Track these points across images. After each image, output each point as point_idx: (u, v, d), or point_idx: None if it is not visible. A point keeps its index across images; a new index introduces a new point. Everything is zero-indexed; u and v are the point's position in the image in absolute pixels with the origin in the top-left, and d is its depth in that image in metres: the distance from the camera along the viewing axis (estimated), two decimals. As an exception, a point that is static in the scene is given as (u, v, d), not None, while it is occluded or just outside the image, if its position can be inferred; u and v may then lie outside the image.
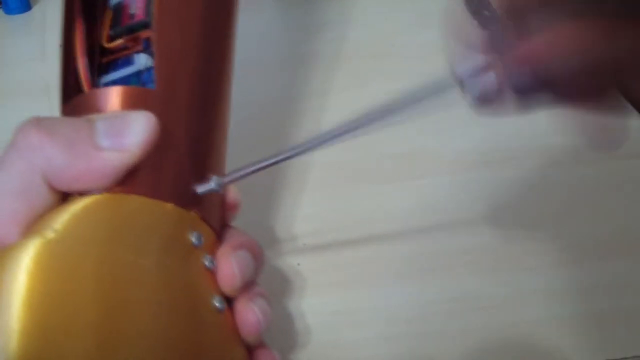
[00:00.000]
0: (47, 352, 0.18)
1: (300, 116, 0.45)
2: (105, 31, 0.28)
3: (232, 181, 0.26)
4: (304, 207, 0.38)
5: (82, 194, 0.22)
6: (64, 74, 0.27)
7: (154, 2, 0.26)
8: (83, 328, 0.19)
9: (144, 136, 0.23)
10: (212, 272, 0.25)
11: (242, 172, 0.26)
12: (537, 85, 0.21)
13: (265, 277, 0.34)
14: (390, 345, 0.30)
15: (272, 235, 0.36)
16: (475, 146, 0.40)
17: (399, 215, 0.37)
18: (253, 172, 0.26)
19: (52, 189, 0.22)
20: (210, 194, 0.26)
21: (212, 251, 0.26)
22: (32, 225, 0.21)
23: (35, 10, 0.60)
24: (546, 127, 0.42)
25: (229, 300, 0.25)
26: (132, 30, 0.27)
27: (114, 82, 0.27)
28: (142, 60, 0.27)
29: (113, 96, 0.24)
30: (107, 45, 0.27)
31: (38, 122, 0.22)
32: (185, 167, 0.25)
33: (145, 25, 0.27)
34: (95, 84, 0.27)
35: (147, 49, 0.27)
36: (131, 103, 0.24)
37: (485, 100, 0.23)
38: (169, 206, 0.24)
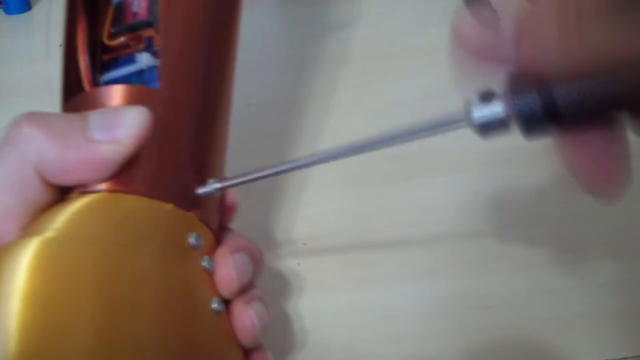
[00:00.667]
0: (47, 351, 0.18)
1: (303, 117, 0.45)
2: (107, 28, 0.28)
3: (230, 186, 0.26)
4: (304, 208, 0.38)
5: (81, 191, 0.22)
6: (66, 71, 0.27)
7: (159, 2, 0.26)
8: (83, 327, 0.19)
9: (137, 129, 0.23)
10: (210, 274, 0.25)
11: (241, 179, 0.26)
12: (542, 108, 0.20)
13: (265, 277, 0.34)
14: (390, 345, 0.30)
15: (272, 235, 0.36)
16: (475, 146, 0.40)
17: (398, 216, 0.37)
18: (253, 180, 0.25)
19: (46, 182, 0.22)
20: (209, 195, 0.26)
21: (211, 253, 0.26)
22: (32, 224, 0.21)
23: (35, 10, 0.60)
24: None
25: (227, 302, 0.25)
26: (134, 28, 0.27)
27: (115, 81, 0.27)
28: (144, 60, 0.27)
29: (115, 95, 0.24)
30: (108, 42, 0.27)
31: (30, 116, 0.22)
32: (185, 168, 0.25)
33: (147, 24, 0.27)
34: (96, 81, 0.27)
35: (149, 48, 0.27)
36: (133, 102, 0.24)
37: (492, 131, 0.22)
38: (169, 206, 0.24)
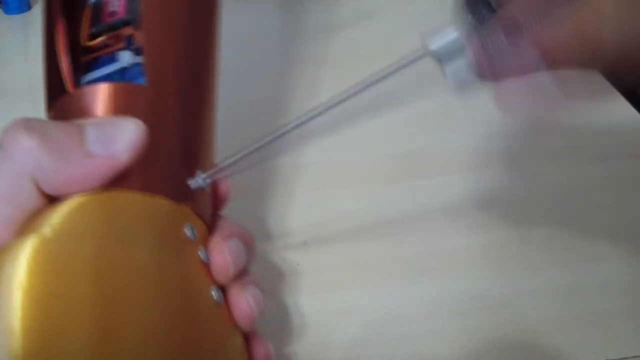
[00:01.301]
0: (49, 347, 0.18)
1: (294, 116, 0.45)
2: (86, 29, 0.28)
3: (217, 176, 0.26)
4: (304, 208, 0.38)
5: None
6: (48, 74, 0.27)
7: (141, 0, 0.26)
8: (84, 323, 0.19)
9: (134, 144, 0.23)
10: (207, 265, 0.25)
11: (226, 164, 0.26)
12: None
13: (265, 277, 0.34)
14: (391, 345, 0.30)
15: (272, 235, 0.36)
16: (475, 146, 0.40)
17: (399, 216, 0.37)
18: (236, 161, 0.26)
19: (42, 193, 0.22)
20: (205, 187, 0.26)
21: (206, 244, 0.26)
22: (27, 224, 0.21)
23: (35, 10, 0.60)
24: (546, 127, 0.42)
25: (223, 290, 0.26)
26: (114, 27, 0.27)
27: (97, 81, 0.26)
28: (125, 58, 0.27)
29: (100, 94, 0.25)
30: (88, 43, 0.27)
31: (27, 126, 0.22)
32: (176, 162, 0.25)
33: (127, 23, 0.27)
34: (78, 83, 0.27)
35: (129, 46, 0.27)
36: (121, 100, 0.24)
37: (452, 57, 0.24)
38: (163, 201, 0.24)
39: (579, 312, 0.31)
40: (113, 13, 0.27)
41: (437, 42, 0.23)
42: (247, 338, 0.26)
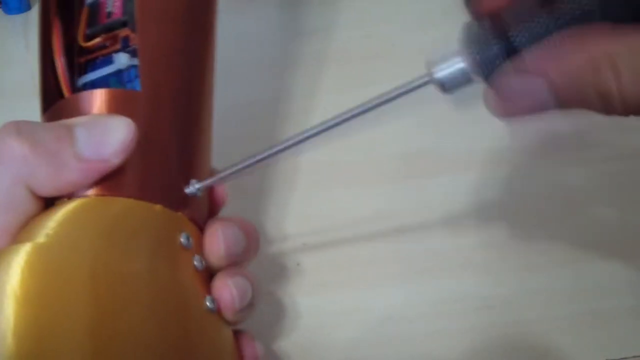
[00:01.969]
0: (41, 354, 0.18)
1: (294, 117, 0.45)
2: (82, 30, 0.27)
3: (211, 184, 0.26)
4: (304, 208, 0.38)
5: (70, 196, 0.23)
6: (43, 76, 0.27)
7: (135, 2, 0.26)
8: (77, 329, 0.19)
9: (124, 144, 0.23)
10: (202, 273, 0.25)
11: (220, 176, 0.26)
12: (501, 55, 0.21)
13: (265, 277, 0.34)
14: (391, 345, 0.30)
15: (271, 236, 0.36)
16: (475, 146, 0.40)
17: (399, 216, 0.37)
18: (233, 174, 0.26)
19: (36, 197, 0.22)
20: (201, 194, 0.26)
21: (201, 251, 0.26)
22: (22, 231, 0.21)
23: (35, 10, 0.60)
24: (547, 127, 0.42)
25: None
26: (110, 28, 0.27)
27: (93, 82, 0.26)
28: (122, 60, 0.26)
29: (96, 100, 0.24)
30: (84, 44, 0.27)
31: (18, 131, 0.22)
32: (172, 168, 0.25)
33: (123, 24, 0.27)
34: (74, 84, 0.27)
35: (126, 48, 0.27)
36: (115, 106, 0.24)
37: (455, 83, 0.23)
38: (158, 207, 0.24)
39: (579, 312, 0.31)
40: (110, 14, 0.27)
41: (443, 71, 0.23)
42: (236, 337, 0.26)
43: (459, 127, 0.41)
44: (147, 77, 0.25)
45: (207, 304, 0.24)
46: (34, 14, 0.60)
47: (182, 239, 0.24)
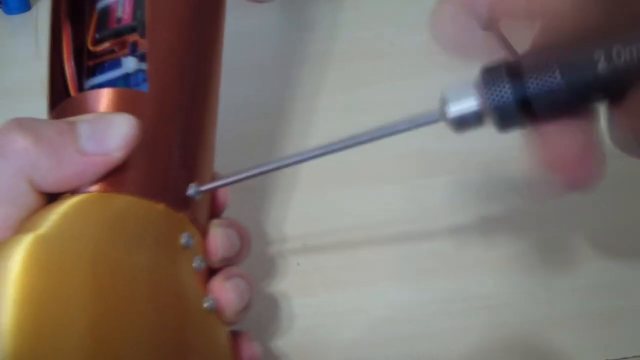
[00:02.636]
0: (41, 346, 0.18)
1: (297, 117, 0.45)
2: (92, 34, 0.28)
3: (210, 189, 0.26)
4: (304, 208, 0.38)
5: (73, 192, 0.23)
6: (51, 78, 0.27)
7: (145, 7, 0.26)
8: (77, 321, 0.19)
9: (127, 139, 0.23)
10: (201, 273, 0.25)
11: (219, 183, 0.26)
12: (514, 100, 0.20)
13: (265, 277, 0.34)
14: (391, 345, 0.30)
15: (272, 235, 0.36)
16: (474, 146, 0.40)
17: (399, 216, 0.37)
18: (234, 182, 0.26)
19: (39, 191, 0.22)
20: (203, 196, 0.26)
21: (202, 252, 0.26)
22: (25, 224, 0.21)
23: (35, 10, 0.60)
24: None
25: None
26: (119, 34, 0.27)
27: (101, 85, 0.27)
28: (130, 64, 0.27)
29: (102, 99, 0.25)
30: (93, 48, 0.28)
31: (21, 126, 0.22)
32: (176, 169, 0.25)
33: (132, 29, 0.27)
34: (82, 87, 0.27)
35: (134, 53, 0.27)
36: (121, 105, 0.24)
37: (467, 125, 0.23)
38: (160, 206, 0.24)
39: (579, 312, 0.31)
40: (119, 19, 0.27)
41: (456, 111, 0.22)
42: (234, 338, 0.26)
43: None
44: (154, 79, 0.25)
45: (206, 304, 0.24)
46: (34, 14, 0.60)
47: (183, 239, 0.24)
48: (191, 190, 0.25)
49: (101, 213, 0.22)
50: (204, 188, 0.26)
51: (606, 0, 0.20)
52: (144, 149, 0.24)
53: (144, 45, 0.26)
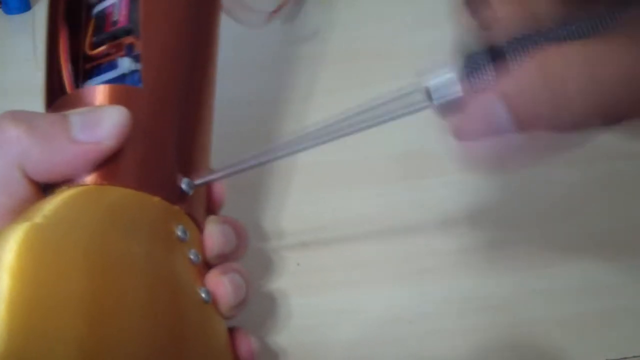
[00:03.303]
0: (34, 332, 0.18)
1: (293, 117, 0.45)
2: (89, 39, 0.28)
3: (203, 184, 0.27)
4: (304, 208, 0.38)
5: (69, 185, 0.23)
6: (48, 81, 0.27)
7: (139, 3, 0.26)
8: (70, 307, 0.19)
9: (118, 128, 0.23)
10: (198, 266, 0.25)
11: (215, 175, 0.27)
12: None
13: (264, 277, 0.34)
14: (391, 345, 0.30)
15: (271, 235, 0.36)
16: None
17: (399, 215, 0.37)
18: (227, 174, 0.26)
19: (31, 181, 0.23)
20: (195, 190, 0.26)
21: (197, 246, 0.26)
22: (20, 214, 0.21)
23: (35, 10, 0.60)
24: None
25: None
26: (115, 36, 0.28)
27: None
28: (125, 64, 0.27)
29: (97, 94, 0.25)
30: (90, 52, 0.28)
31: (14, 116, 0.23)
32: (171, 164, 0.26)
33: (128, 32, 0.27)
34: (78, 88, 0.27)
35: (130, 54, 0.27)
36: (116, 101, 0.25)
37: (450, 111, 0.23)
38: (156, 199, 0.24)
39: (579, 312, 0.31)
40: (115, 22, 0.28)
41: (433, 80, 0.23)
42: (231, 333, 0.27)
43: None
44: (149, 75, 0.26)
45: (202, 295, 0.24)
46: (34, 14, 0.60)
47: (179, 232, 0.24)
48: (184, 184, 0.26)
49: (96, 204, 0.23)
50: (197, 182, 0.26)
51: None
52: (138, 143, 0.24)
53: (139, 46, 0.27)
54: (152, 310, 0.22)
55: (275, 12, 0.46)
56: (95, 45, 0.28)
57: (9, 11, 0.60)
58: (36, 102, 0.47)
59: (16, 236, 0.19)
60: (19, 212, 0.22)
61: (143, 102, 0.25)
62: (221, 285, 0.25)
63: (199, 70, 0.28)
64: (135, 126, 0.24)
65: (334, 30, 0.53)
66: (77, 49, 0.28)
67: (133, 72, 0.27)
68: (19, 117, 0.23)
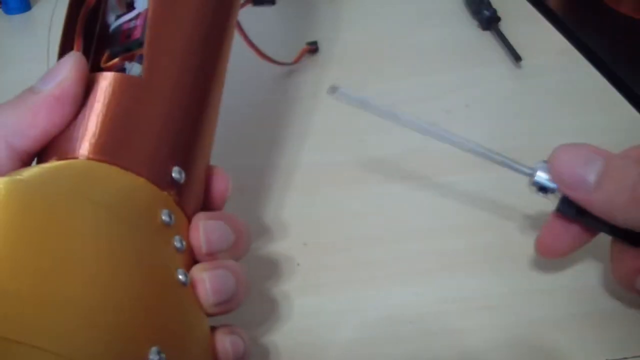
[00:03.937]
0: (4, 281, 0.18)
1: (297, 118, 0.45)
2: (104, 52, 0.29)
3: (197, 175, 0.27)
4: (304, 208, 0.38)
5: (56, 158, 0.24)
6: None
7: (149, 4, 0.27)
8: (38, 265, 0.19)
9: (74, 69, 0.25)
10: (183, 254, 0.25)
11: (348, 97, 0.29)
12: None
13: (265, 277, 0.34)
14: (391, 345, 0.30)
15: (271, 235, 0.36)
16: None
17: (398, 216, 0.37)
18: (354, 102, 0.29)
19: (19, 153, 0.24)
20: (191, 181, 0.26)
21: (184, 234, 0.25)
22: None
23: (35, 10, 0.60)
24: (546, 127, 0.42)
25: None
26: (129, 49, 0.28)
27: None
28: (135, 69, 0.28)
29: (98, 81, 0.26)
30: (104, 65, 0.29)
31: None
32: (163, 152, 0.26)
33: (140, 44, 0.28)
34: None
35: (140, 60, 0.28)
36: (113, 87, 0.25)
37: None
38: (141, 180, 0.24)
39: (579, 312, 0.31)
40: (129, 35, 0.28)
41: (541, 179, 0.28)
42: (216, 331, 0.26)
43: (459, 128, 0.41)
44: (150, 63, 0.26)
45: (179, 276, 0.23)
46: (34, 14, 0.60)
47: (164, 216, 0.24)
48: (175, 172, 0.26)
49: (81, 174, 0.23)
50: (188, 170, 0.26)
51: None
52: (131, 126, 0.25)
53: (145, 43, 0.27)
54: (122, 284, 0.21)
55: (295, 62, 0.49)
56: (109, 58, 0.29)
57: (9, 11, 0.60)
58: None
59: None
60: None
61: (139, 89, 0.26)
62: (200, 282, 0.24)
63: (205, 68, 0.28)
64: (130, 111, 0.25)
65: (338, 30, 0.53)
66: (93, 62, 0.29)
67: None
68: None
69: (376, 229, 0.36)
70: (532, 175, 0.28)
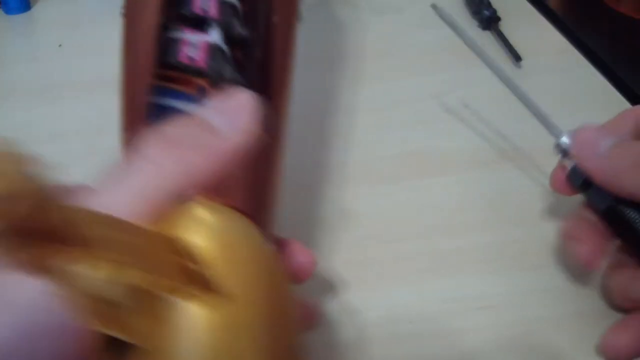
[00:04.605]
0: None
1: (308, 117, 0.45)
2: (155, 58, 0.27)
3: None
4: (304, 207, 0.38)
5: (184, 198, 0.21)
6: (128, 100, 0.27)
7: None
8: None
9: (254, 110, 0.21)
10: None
11: None
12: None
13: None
14: (391, 345, 0.30)
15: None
16: (475, 146, 0.40)
17: (399, 216, 0.37)
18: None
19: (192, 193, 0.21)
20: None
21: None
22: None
23: (35, 10, 0.60)
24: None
25: None
26: (186, 70, 0.27)
27: (164, 107, 0.27)
28: (192, 107, 0.26)
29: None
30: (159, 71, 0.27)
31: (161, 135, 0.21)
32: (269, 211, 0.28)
33: (201, 74, 0.27)
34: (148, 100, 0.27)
35: (201, 96, 0.27)
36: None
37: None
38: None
39: (579, 312, 0.31)
40: (192, 58, 0.27)
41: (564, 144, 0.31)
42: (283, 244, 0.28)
43: (459, 128, 0.41)
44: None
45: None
46: (34, 14, 0.60)
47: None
48: None
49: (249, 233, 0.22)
50: None
51: None
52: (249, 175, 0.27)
53: (211, 93, 0.27)
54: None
55: None
56: (163, 65, 0.27)
57: (9, 11, 0.60)
58: (36, 102, 0.47)
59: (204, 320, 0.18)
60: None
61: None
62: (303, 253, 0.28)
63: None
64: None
65: (342, 29, 0.53)
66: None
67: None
68: (159, 133, 0.21)
69: (376, 229, 0.36)
70: (558, 136, 0.31)
